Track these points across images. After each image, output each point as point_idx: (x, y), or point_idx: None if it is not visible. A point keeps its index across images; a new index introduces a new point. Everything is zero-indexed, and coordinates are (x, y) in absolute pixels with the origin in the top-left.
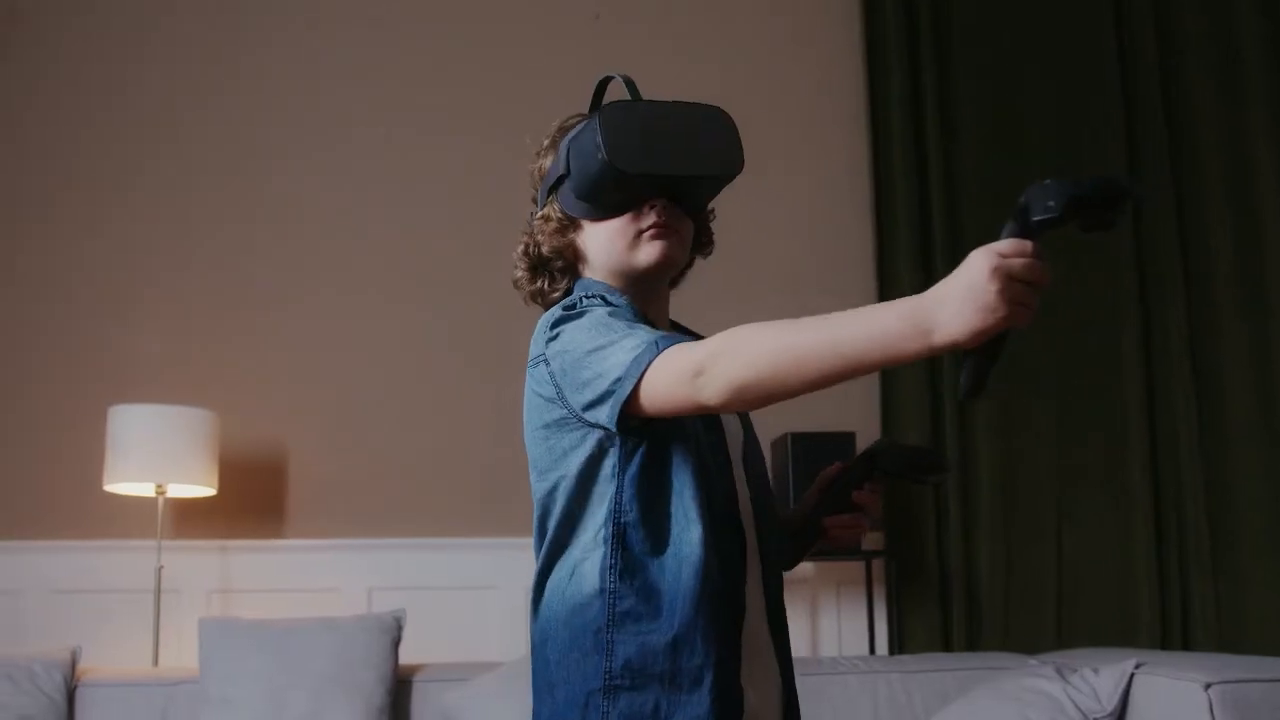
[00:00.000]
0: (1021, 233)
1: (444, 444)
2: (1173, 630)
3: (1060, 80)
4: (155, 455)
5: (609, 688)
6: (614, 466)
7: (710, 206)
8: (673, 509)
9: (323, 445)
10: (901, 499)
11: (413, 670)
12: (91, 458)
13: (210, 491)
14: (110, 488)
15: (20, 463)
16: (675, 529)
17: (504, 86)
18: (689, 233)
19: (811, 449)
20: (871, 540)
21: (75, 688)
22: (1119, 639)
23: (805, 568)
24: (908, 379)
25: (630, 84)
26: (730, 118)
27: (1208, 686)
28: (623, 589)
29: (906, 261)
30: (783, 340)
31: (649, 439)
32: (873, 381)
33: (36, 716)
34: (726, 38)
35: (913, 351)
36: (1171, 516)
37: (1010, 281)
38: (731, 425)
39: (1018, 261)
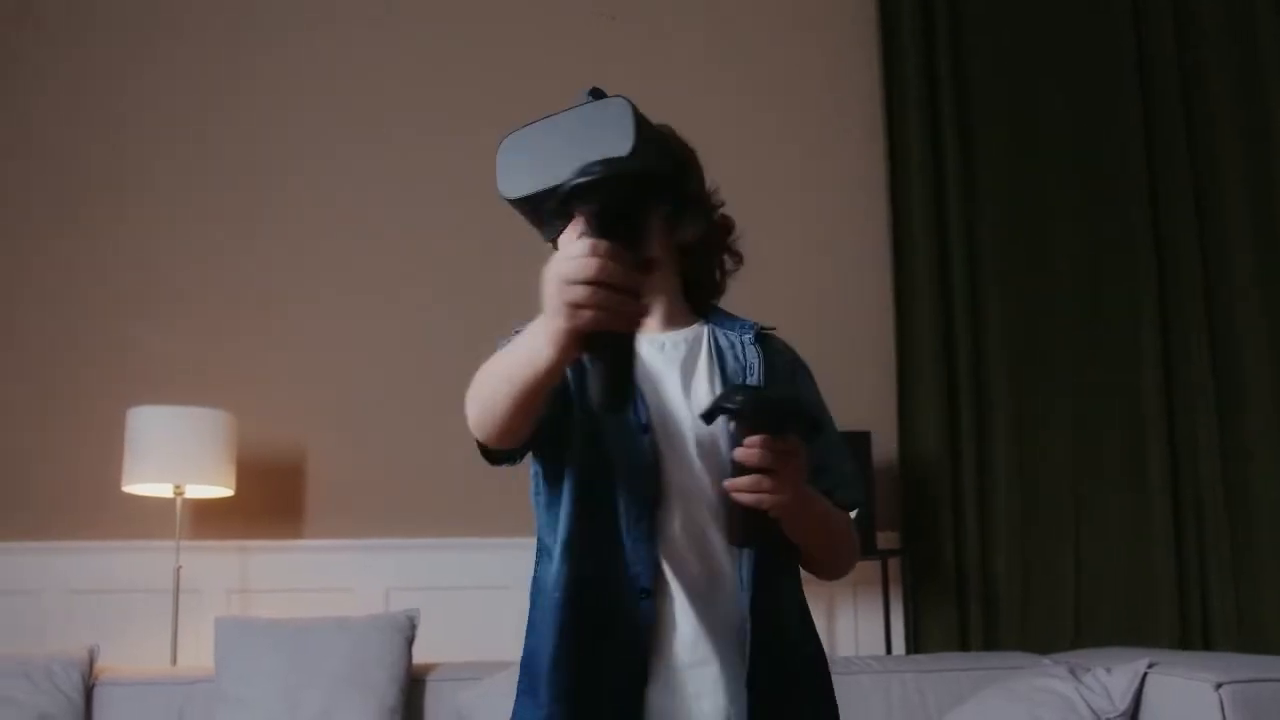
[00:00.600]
0: (589, 228)
1: (461, 444)
2: (1193, 629)
3: (1077, 81)
4: (173, 456)
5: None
6: (532, 492)
7: (719, 211)
8: (548, 539)
9: (340, 446)
10: (918, 497)
11: (427, 669)
12: (111, 459)
13: (228, 492)
14: (129, 488)
15: (41, 464)
16: (544, 564)
17: (516, 87)
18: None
19: None
20: (888, 539)
21: (93, 686)
22: (1138, 638)
23: None
24: (924, 376)
25: (598, 94)
26: (622, 104)
27: (1218, 686)
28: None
29: (923, 269)
30: (482, 374)
31: (544, 461)
32: (889, 380)
33: (54, 715)
34: (740, 38)
35: (545, 367)
36: (1191, 515)
37: (564, 285)
38: (681, 417)
39: (567, 263)
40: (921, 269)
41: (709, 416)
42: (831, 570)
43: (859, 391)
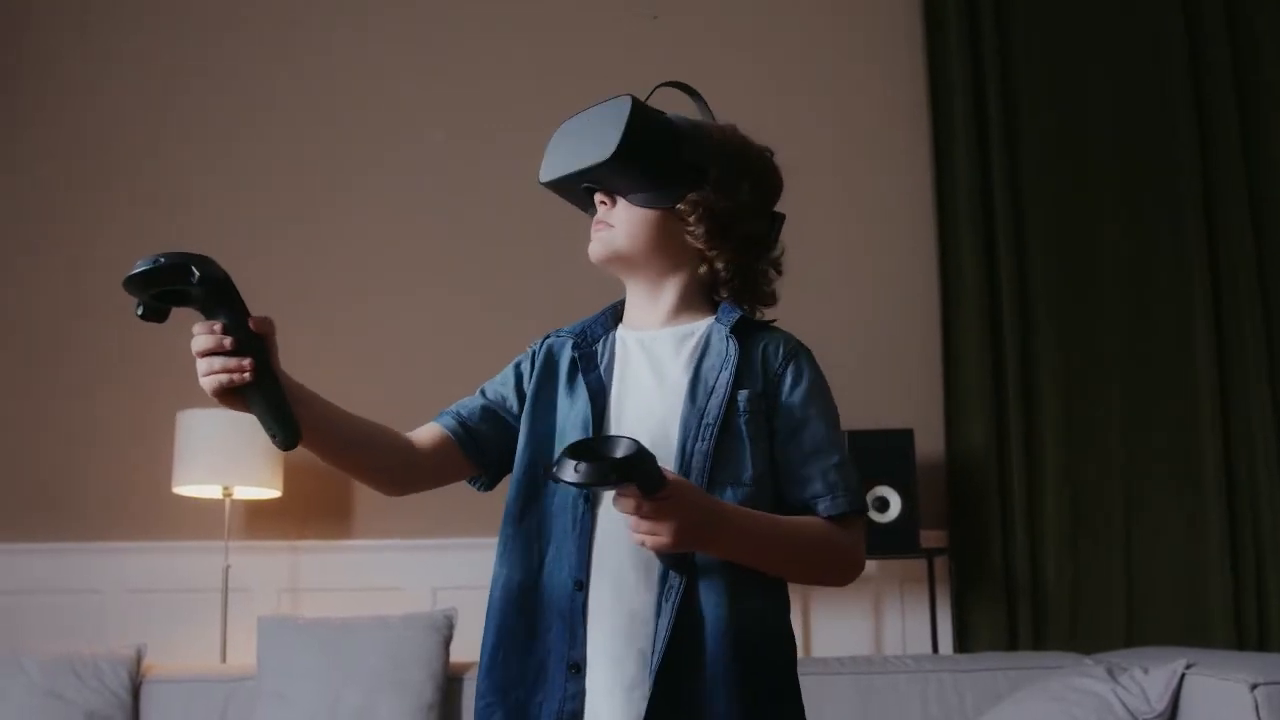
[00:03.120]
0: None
1: None
2: (1248, 631)
3: (1126, 69)
4: (222, 459)
5: None
6: None
7: (738, 199)
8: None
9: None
10: (964, 495)
11: (465, 668)
12: (161, 461)
13: (275, 493)
14: (179, 490)
15: (94, 467)
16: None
17: (558, 87)
18: (629, 221)
19: (868, 447)
20: (934, 538)
21: (140, 684)
22: (1191, 639)
23: (868, 565)
24: (971, 373)
25: (689, 90)
26: (622, 102)
27: (1254, 687)
28: None
29: (970, 264)
30: None
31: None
32: (934, 377)
33: (103, 712)
34: (782, 34)
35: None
36: (1246, 514)
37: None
38: (638, 412)
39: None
40: (968, 265)
41: (552, 479)
42: (816, 580)
43: (901, 389)
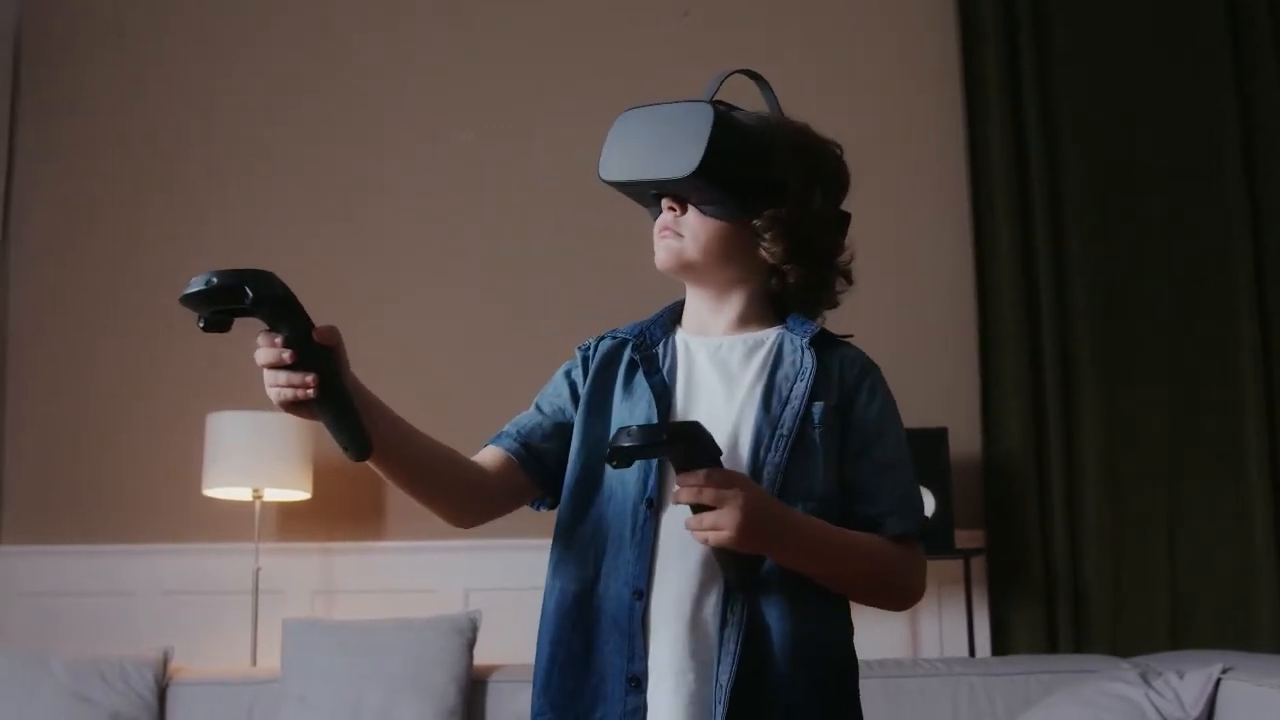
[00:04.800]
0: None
1: None
2: None
3: (1167, 52)
4: (251, 461)
5: None
6: None
7: (808, 212)
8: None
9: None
10: (1002, 495)
11: (489, 671)
12: (191, 464)
13: (305, 495)
14: (209, 492)
15: (126, 469)
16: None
17: (591, 85)
18: (702, 232)
19: None
20: (970, 538)
21: (166, 686)
22: (1237, 641)
23: None
24: (1008, 370)
25: (757, 78)
26: (705, 112)
27: None
28: None
29: (1007, 258)
30: None
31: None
32: (971, 374)
33: (128, 714)
34: (818, 35)
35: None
36: None
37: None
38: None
39: None
40: (1005, 259)
41: (610, 459)
42: (878, 600)
43: (935, 388)
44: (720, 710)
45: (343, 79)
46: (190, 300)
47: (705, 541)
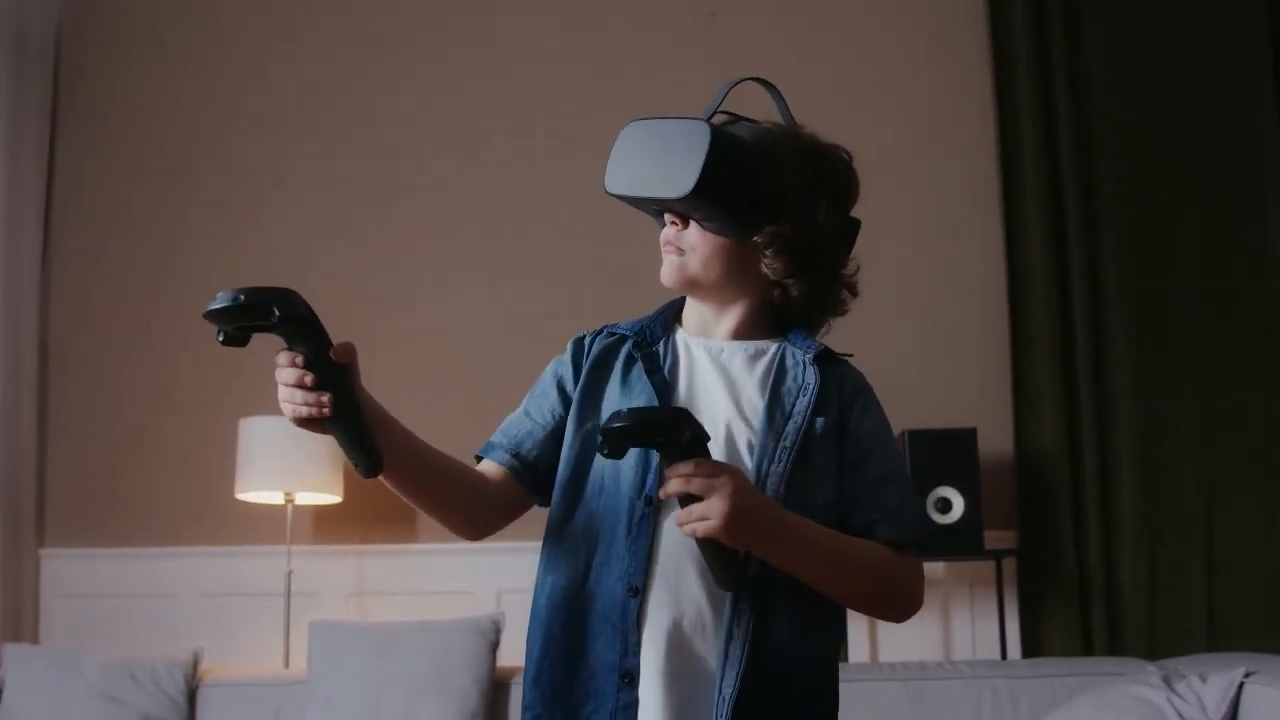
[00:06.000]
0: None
1: None
2: None
3: (1202, 50)
4: (283, 465)
5: None
6: None
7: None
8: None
9: (451, 450)
10: (1034, 495)
11: (512, 673)
12: (225, 468)
13: (336, 499)
14: (241, 496)
15: (161, 474)
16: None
17: (618, 86)
18: (703, 248)
19: (930, 447)
20: (1001, 539)
21: (196, 688)
22: (1274, 643)
23: (935, 568)
24: (1040, 369)
25: (767, 85)
26: (701, 132)
27: None
28: None
29: (1038, 257)
30: None
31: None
32: (1003, 374)
33: (158, 715)
34: (846, 36)
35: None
36: None
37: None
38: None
39: None
40: (1036, 257)
41: (602, 447)
42: (874, 608)
43: (964, 388)
44: (703, 705)
45: (378, 86)
46: (215, 315)
47: (693, 534)
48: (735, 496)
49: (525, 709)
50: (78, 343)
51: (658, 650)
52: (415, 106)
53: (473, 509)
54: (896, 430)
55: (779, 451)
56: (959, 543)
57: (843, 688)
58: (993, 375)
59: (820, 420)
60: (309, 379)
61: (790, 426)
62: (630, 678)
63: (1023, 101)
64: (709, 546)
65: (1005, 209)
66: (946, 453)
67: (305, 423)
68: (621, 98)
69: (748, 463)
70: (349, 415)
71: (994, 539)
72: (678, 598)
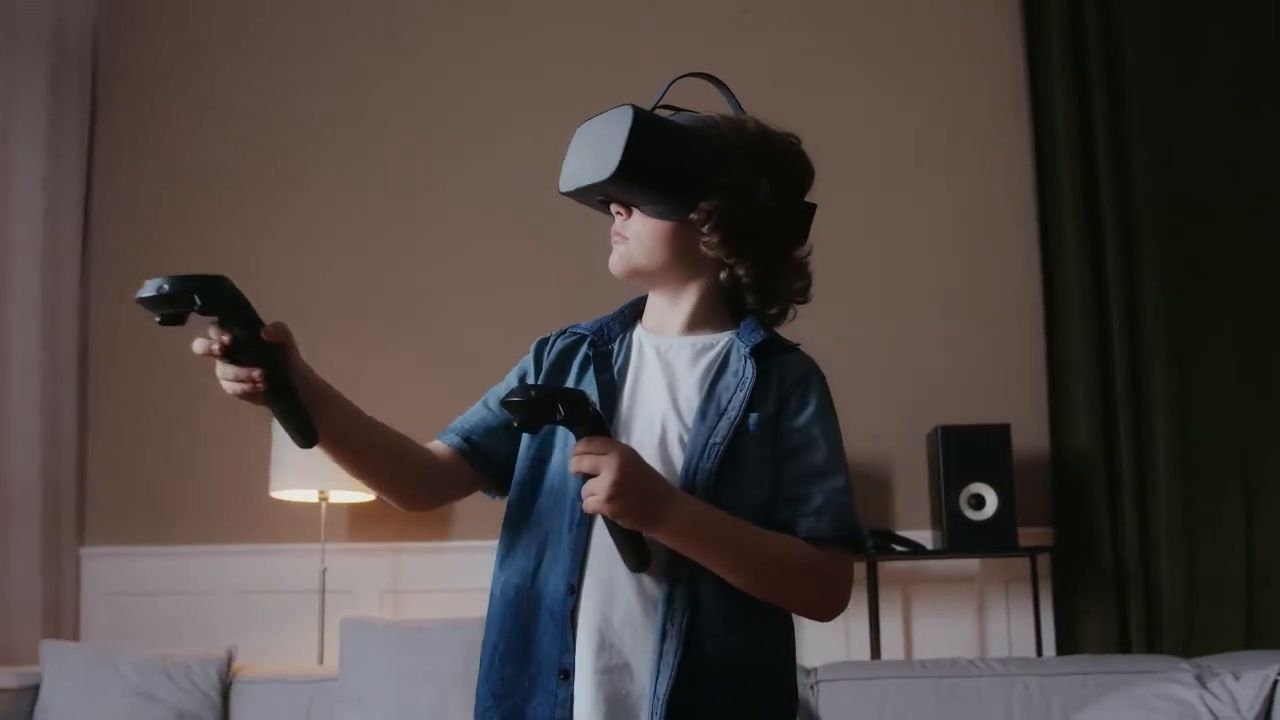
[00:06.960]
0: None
1: None
2: None
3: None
4: (316, 464)
5: None
6: None
7: (765, 221)
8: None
9: None
10: (1070, 491)
11: None
12: (259, 467)
13: (370, 496)
14: (276, 494)
15: (196, 472)
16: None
17: (648, 84)
18: (645, 234)
19: (962, 443)
20: (1037, 535)
21: (230, 684)
22: None
23: (970, 565)
24: (1076, 365)
25: (712, 79)
26: (624, 115)
27: None
28: None
29: (1074, 252)
30: None
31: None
32: (1038, 369)
33: (193, 711)
34: (879, 36)
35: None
36: None
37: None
38: (648, 418)
39: None
40: (1071, 253)
41: (512, 421)
42: (789, 603)
43: (997, 384)
44: (635, 702)
45: (412, 89)
46: (144, 303)
47: (588, 511)
48: (619, 471)
49: (478, 701)
50: (116, 343)
51: (590, 647)
52: (445, 108)
53: (411, 483)
54: (929, 426)
55: (709, 449)
56: (992, 539)
57: (873, 685)
58: (1027, 371)
59: (754, 416)
60: (216, 349)
61: (722, 423)
62: (567, 674)
63: (1058, 100)
64: (612, 527)
65: (1040, 207)
66: (980, 449)
67: (244, 397)
68: (651, 95)
69: (678, 461)
70: (280, 390)
71: (1028, 536)
72: (610, 595)
